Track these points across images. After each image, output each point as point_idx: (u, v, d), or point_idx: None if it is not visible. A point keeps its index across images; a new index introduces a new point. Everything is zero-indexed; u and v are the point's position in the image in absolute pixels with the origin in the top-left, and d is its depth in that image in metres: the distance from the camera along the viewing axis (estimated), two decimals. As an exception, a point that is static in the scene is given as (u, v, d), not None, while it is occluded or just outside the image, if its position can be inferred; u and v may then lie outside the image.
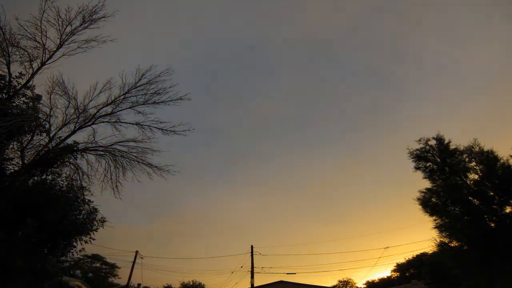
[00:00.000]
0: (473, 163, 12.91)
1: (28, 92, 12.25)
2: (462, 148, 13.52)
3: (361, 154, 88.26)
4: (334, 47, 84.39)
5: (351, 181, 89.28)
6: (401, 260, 37.69)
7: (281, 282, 28.30)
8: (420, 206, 13.43)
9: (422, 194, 13.57)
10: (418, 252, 30.63)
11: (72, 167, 12.95)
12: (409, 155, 14.63)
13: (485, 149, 12.67)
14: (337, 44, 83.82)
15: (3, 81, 11.49)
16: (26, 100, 12.22)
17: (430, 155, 14.23)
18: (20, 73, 11.84)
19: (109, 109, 12.90)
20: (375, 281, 46.24)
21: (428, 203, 13.16)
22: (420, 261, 28.28)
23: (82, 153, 12.89)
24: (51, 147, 12.03)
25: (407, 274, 37.80)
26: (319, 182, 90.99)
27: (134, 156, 13.18)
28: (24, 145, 11.78)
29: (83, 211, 13.29)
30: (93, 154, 12.97)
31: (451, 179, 12.69)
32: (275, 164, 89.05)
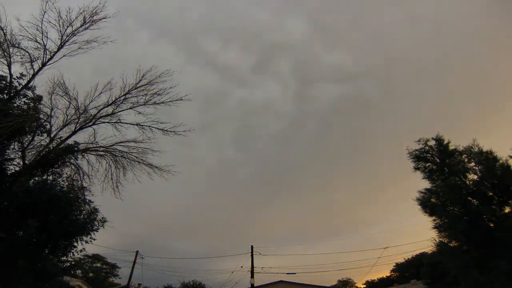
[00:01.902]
0: (472, 164, 12.95)
1: (29, 93, 12.33)
2: (461, 149, 13.56)
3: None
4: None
5: (350, 179, 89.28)
6: (401, 260, 37.79)
7: (281, 282, 28.33)
8: (419, 206, 13.50)
9: (422, 194, 13.61)
10: (417, 252, 30.68)
11: (73, 167, 13.01)
12: (408, 155, 14.67)
13: (484, 149, 12.73)
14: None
15: (4, 82, 11.54)
16: (27, 101, 12.30)
17: (430, 155, 14.26)
18: (21, 74, 11.91)
19: (109, 109, 12.92)
20: (375, 281, 46.29)
21: (427, 203, 13.20)
22: (419, 261, 28.30)
23: (83, 154, 12.92)
24: (52, 148, 12.05)
25: (406, 274, 37.82)
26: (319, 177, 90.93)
27: (135, 156, 13.22)
28: (25, 146, 11.81)
29: (84, 211, 13.34)
30: (94, 155, 13.00)
31: (450, 179, 12.72)
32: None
